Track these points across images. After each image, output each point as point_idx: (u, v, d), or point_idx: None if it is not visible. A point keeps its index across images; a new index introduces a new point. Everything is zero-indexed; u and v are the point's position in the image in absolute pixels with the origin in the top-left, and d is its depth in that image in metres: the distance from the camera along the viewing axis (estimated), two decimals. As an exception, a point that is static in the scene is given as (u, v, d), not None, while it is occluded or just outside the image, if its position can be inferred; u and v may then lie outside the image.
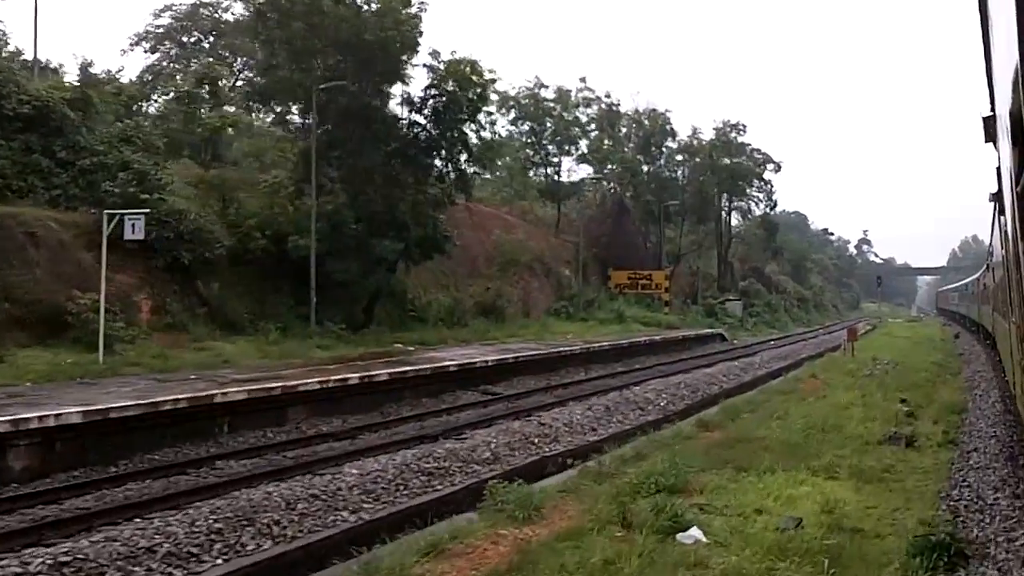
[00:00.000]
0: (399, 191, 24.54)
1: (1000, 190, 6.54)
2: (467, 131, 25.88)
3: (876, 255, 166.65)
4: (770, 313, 62.88)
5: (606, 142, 51.07)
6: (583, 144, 48.99)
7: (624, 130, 53.35)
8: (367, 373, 17.73)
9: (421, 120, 25.14)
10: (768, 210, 67.34)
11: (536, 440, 15.09)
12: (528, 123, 47.62)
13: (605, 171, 50.08)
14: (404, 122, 24.91)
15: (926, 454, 11.91)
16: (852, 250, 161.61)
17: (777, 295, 70.93)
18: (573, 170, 48.35)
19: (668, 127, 51.91)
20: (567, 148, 48.39)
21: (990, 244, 18.49)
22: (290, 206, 24.30)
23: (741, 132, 54.19)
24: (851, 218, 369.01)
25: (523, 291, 38.34)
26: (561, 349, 27.34)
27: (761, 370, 30.54)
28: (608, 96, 51.80)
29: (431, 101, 24.74)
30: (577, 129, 48.18)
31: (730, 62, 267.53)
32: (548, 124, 47.60)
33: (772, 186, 67.62)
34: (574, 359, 26.99)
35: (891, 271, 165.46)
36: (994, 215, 10.79)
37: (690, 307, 54.08)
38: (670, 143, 52.01)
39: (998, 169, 6.10)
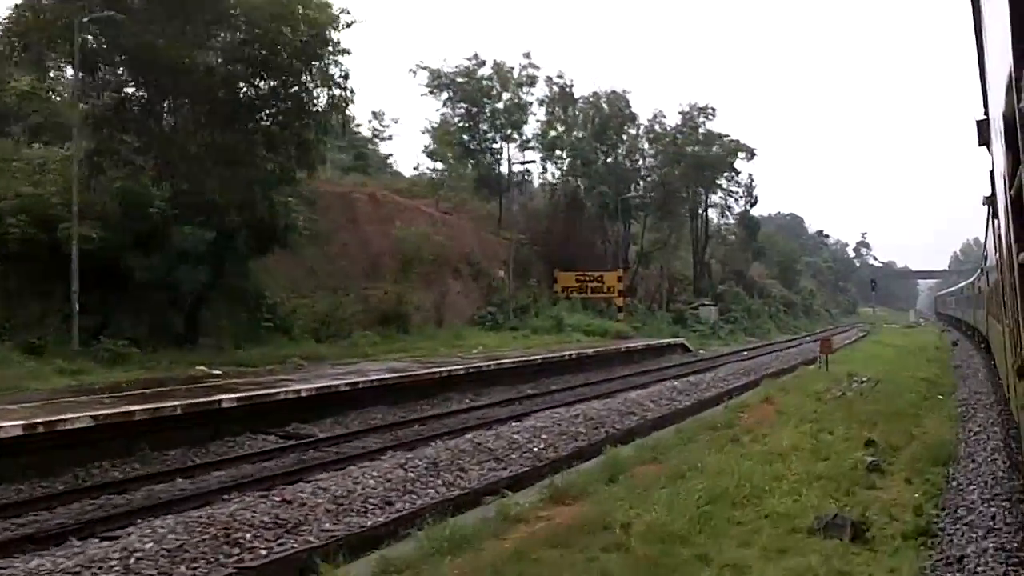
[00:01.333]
0: (214, 165, 18.56)
1: (993, 193, 6.55)
2: (308, 85, 19.89)
3: (875, 258, 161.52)
4: (750, 319, 56.81)
5: (557, 127, 45.13)
6: (529, 129, 43.07)
7: (580, 115, 47.32)
8: (55, 417, 11.77)
9: (241, 71, 19.15)
10: (748, 206, 61.47)
11: (243, 538, 9.08)
12: (464, 105, 41.68)
13: (555, 160, 44.14)
14: (220, 75, 18.89)
15: (882, 558, 6.96)
16: (851, 253, 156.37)
17: (760, 299, 64.87)
18: (518, 159, 42.32)
19: (628, 111, 45.89)
20: (510, 134, 42.41)
21: (984, 248, 18.33)
22: (74, 184, 18.32)
23: (710, 116, 48.08)
24: (852, 222, 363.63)
25: (439, 296, 32.36)
26: (447, 369, 21.33)
27: (710, 391, 24.52)
28: (561, 76, 45.94)
29: (253, 46, 18.78)
30: (521, 112, 42.22)
31: (730, 65, 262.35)
32: (487, 106, 41.68)
33: (752, 180, 61.86)
34: (459, 382, 20.98)
35: (891, 274, 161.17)
36: (988, 218, 10.77)
37: (655, 313, 48.09)
38: (631, 129, 45.80)
39: (991, 172, 6.07)
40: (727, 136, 50.39)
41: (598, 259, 44.67)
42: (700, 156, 47.59)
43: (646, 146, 46.03)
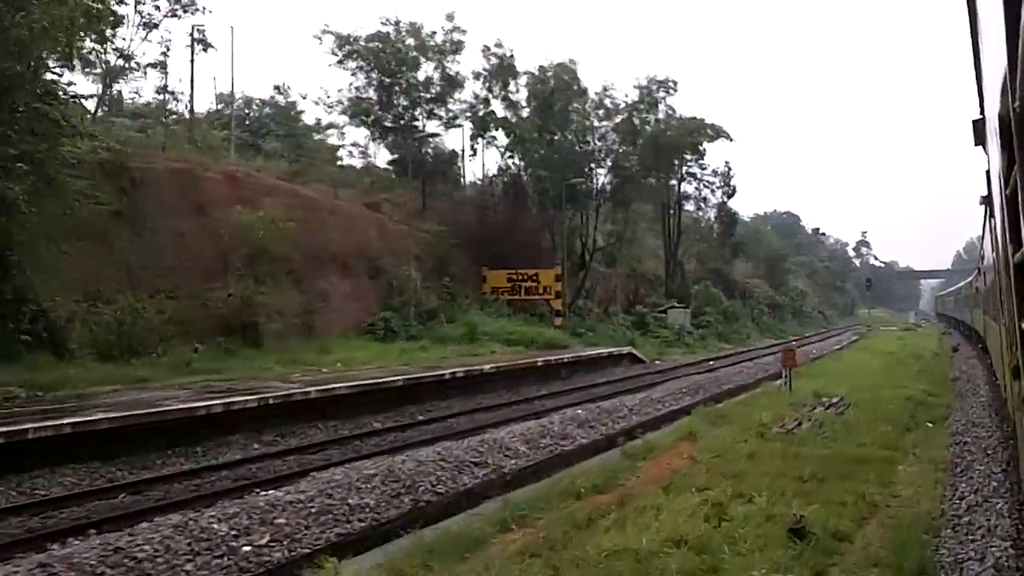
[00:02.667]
0: None
1: (990, 193, 6.52)
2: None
3: (876, 258, 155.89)
4: (725, 323, 50.58)
5: (493, 101, 39.02)
6: (455, 105, 36.93)
7: (526, 91, 41.11)
8: None
9: None
10: (725, 197, 55.32)
11: None
12: (377, 75, 35.55)
13: (490, 141, 37.97)
14: None
15: None
16: (851, 252, 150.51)
17: (742, 301, 58.58)
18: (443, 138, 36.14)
19: (576, 85, 39.62)
20: (432, 109, 36.29)
21: (981, 247, 17.76)
22: None
23: (671, 91, 41.62)
24: (852, 222, 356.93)
25: (314, 298, 26.22)
26: (223, 402, 14.90)
27: (624, 421, 18.40)
28: (500, 46, 39.76)
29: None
30: (450, 85, 36.10)
31: (731, 65, 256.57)
32: (405, 76, 35.55)
33: (730, 169, 55.72)
34: (239, 422, 14.66)
35: (893, 274, 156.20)
36: (985, 218, 10.79)
37: (612, 317, 41.88)
38: (579, 105, 39.41)
39: (987, 172, 6.03)
40: (696, 118, 44.03)
41: (545, 256, 38.48)
42: (659, 136, 41.19)
43: (596, 124, 39.65)
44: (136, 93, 34.11)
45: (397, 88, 35.11)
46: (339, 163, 38.40)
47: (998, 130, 3.75)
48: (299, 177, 31.21)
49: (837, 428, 14.76)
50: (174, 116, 33.72)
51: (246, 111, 41.76)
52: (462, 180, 41.17)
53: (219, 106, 48.21)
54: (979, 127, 5.83)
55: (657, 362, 35.34)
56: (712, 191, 55.13)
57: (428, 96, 35.89)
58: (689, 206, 59.36)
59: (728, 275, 62.82)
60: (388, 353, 24.24)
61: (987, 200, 8.19)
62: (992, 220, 7.44)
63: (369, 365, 21.80)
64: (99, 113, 27.01)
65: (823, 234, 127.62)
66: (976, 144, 6.08)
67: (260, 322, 22.86)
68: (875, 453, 12.34)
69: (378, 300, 28.83)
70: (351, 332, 26.48)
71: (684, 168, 48.75)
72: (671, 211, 51.99)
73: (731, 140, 50.66)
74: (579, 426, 17.46)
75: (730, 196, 55.05)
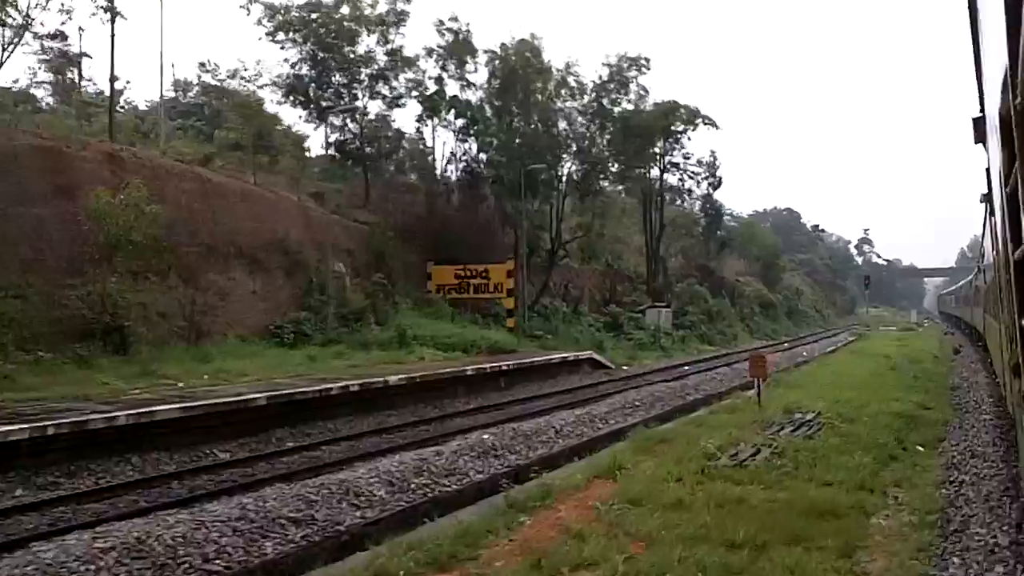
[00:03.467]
0: None
1: (990, 191, 6.39)
2: None
3: (878, 255, 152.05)
4: (710, 323, 46.85)
5: (450, 82, 35.36)
6: (400, 83, 33.30)
7: (486, 72, 37.43)
8: None
9: None
10: (710, 189, 51.60)
11: None
12: (311, 48, 31.89)
13: (442, 121, 34.29)
14: None
15: None
16: (853, 251, 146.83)
17: (730, 300, 54.81)
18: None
19: (540, 65, 35.87)
20: (374, 88, 32.66)
21: (981, 245, 17.43)
22: None
23: (643, 70, 37.75)
24: (856, 219, 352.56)
25: (214, 297, 22.61)
26: None
27: (533, 451, 14.69)
28: (455, 20, 36.10)
29: None
30: (389, 59, 32.44)
31: (732, 64, 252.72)
32: (340, 51, 31.90)
33: (716, 158, 51.96)
34: None
35: (896, 272, 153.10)
36: (985, 216, 10.71)
37: (581, 318, 38.21)
38: (540, 83, 35.63)
39: (987, 170, 5.87)
40: (671, 101, 40.14)
41: (505, 252, 34.79)
42: (630, 118, 37.33)
43: (561, 106, 35.83)
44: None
45: (333, 63, 31.46)
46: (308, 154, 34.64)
47: (998, 127, 3.78)
48: (211, 163, 27.66)
49: (802, 458, 11.36)
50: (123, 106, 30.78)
51: (204, 99, 38.27)
52: (407, 167, 37.57)
53: (176, 93, 44.86)
54: (979, 125, 5.79)
55: (624, 368, 31.76)
56: (697, 182, 51.33)
57: (369, 72, 32.25)
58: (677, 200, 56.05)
59: (717, 272, 59.09)
60: (287, 362, 20.63)
61: (987, 198, 8.09)
62: (992, 218, 7.38)
63: (249, 377, 18.14)
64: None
65: (822, 231, 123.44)
66: (976, 142, 6.05)
67: (126, 325, 19.23)
68: (843, 498, 8.98)
69: (294, 299, 25.22)
70: (253, 336, 22.88)
71: (667, 158, 44.95)
72: (653, 204, 48.26)
73: (717, 128, 46.98)
74: (477, 457, 13.83)
75: (716, 187, 51.36)
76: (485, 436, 15.09)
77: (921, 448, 11.99)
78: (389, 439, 15.41)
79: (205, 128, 37.31)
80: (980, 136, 5.79)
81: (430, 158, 35.99)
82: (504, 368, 23.86)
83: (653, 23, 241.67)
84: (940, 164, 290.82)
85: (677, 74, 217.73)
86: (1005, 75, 3.10)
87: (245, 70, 31.87)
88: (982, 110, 5.61)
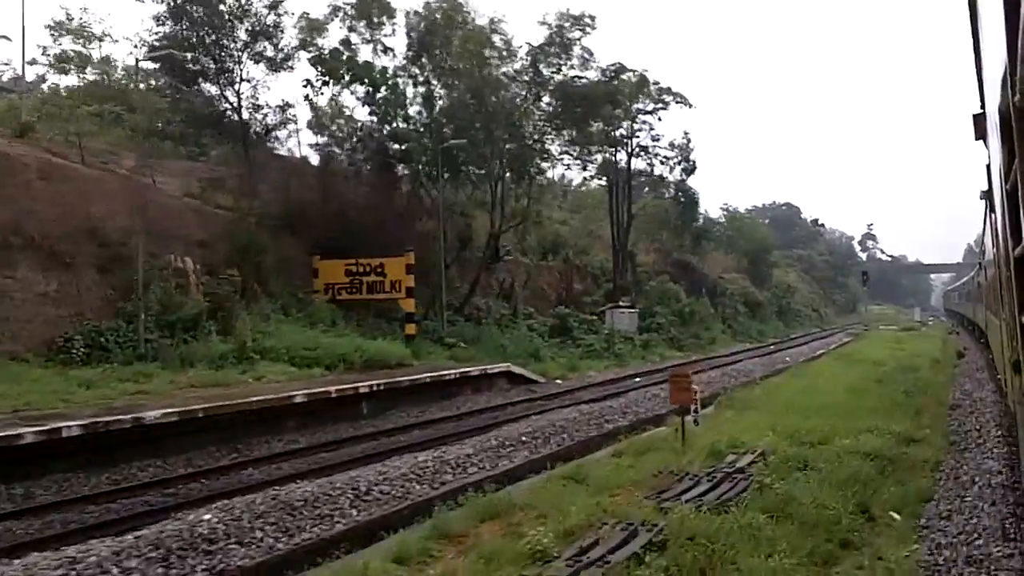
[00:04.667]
0: None
1: (990, 188, 6.48)
2: None
3: (883, 251, 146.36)
4: (682, 325, 41.13)
5: (356, 41, 29.82)
6: (289, 43, 27.79)
7: (404, 37, 31.85)
8: None
9: None
10: (683, 175, 45.93)
11: None
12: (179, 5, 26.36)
13: (343, 86, 28.67)
14: None
15: None
16: (856, 246, 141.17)
17: (710, 299, 49.02)
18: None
19: (460, 19, 30.24)
20: (256, 49, 27.14)
21: (982, 242, 16.99)
22: None
23: (587, 30, 31.76)
24: (860, 215, 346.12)
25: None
26: None
27: (282, 542, 9.08)
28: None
29: None
30: (269, 11, 26.93)
31: (733, 63, 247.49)
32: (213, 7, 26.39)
33: (689, 140, 46.30)
34: None
35: (901, 269, 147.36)
36: (985, 213, 10.65)
37: (519, 322, 32.56)
38: (463, 45, 29.92)
39: (988, 166, 6.01)
40: (618, 63, 34.27)
41: (423, 245, 29.07)
42: (567, 85, 31.57)
43: (488, 73, 30.11)
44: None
45: (202, 19, 25.96)
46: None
47: (998, 124, 3.75)
48: (28, 133, 22.22)
49: (686, 561, 6.67)
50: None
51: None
52: (299, 144, 32.21)
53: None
54: (980, 121, 5.75)
55: (559, 381, 26.17)
56: (670, 168, 45.64)
57: (248, 29, 26.74)
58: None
59: (698, 269, 53.37)
60: (35, 389, 15.05)
61: (988, 194, 8.04)
62: (992, 214, 7.33)
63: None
64: None
65: (821, 225, 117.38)
66: (977, 138, 6.02)
67: None
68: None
69: (107, 304, 19.67)
70: (31, 353, 17.33)
71: (635, 140, 39.36)
72: (619, 191, 42.62)
73: (690, 106, 41.46)
74: (156, 563, 8.19)
75: (690, 173, 45.61)
76: (207, 516, 9.44)
77: (896, 516, 8.27)
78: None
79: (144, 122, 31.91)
80: (980, 132, 5.77)
81: (325, 134, 30.35)
82: (369, 389, 18.25)
83: (656, 16, 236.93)
84: (949, 159, 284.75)
85: (677, 73, 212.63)
86: (1005, 72, 3.11)
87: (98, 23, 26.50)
88: (982, 106, 5.55)
